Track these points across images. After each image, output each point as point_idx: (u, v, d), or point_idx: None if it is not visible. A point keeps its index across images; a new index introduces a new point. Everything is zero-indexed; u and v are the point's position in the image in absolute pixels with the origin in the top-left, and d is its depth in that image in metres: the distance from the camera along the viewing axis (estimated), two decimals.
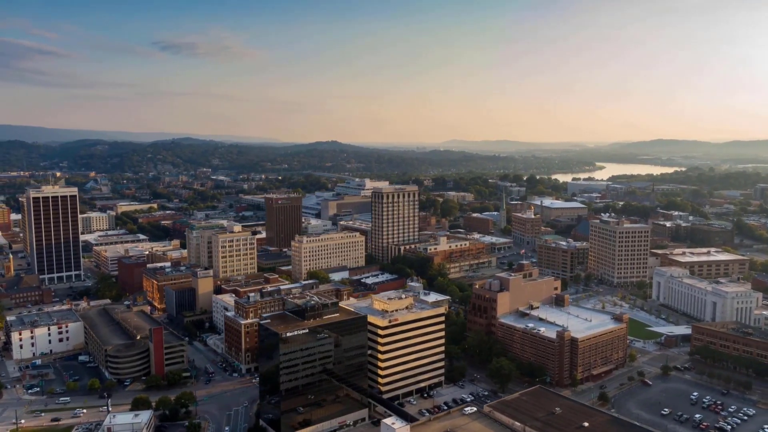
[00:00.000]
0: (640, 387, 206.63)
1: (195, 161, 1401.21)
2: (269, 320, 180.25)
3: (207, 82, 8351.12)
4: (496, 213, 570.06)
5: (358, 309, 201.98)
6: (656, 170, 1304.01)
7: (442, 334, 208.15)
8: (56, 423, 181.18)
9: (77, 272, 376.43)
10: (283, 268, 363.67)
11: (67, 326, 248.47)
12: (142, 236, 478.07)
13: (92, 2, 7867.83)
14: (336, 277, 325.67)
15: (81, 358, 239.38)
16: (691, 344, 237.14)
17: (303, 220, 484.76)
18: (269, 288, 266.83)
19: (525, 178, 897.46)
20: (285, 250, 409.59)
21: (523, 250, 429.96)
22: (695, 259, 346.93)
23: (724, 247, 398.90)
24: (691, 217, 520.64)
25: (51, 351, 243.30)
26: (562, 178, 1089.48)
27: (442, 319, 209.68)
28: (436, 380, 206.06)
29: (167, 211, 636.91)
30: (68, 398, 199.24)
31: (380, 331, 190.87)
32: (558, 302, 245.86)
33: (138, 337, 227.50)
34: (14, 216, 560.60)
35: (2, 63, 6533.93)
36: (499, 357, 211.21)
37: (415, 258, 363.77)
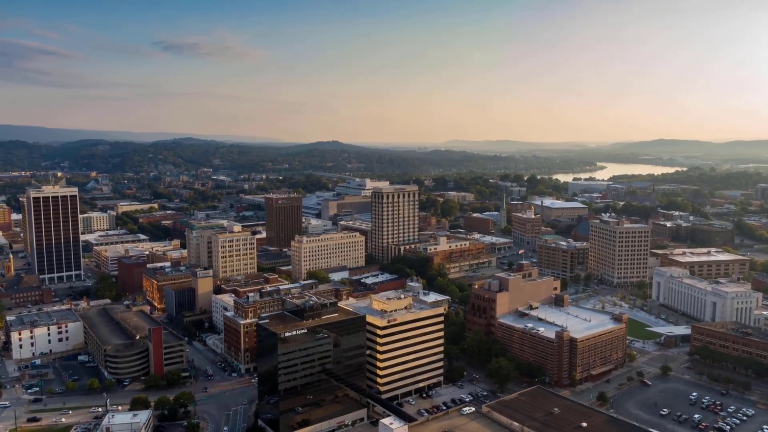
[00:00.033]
0: (640, 387, 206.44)
1: (196, 161, 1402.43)
2: (268, 320, 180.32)
3: (208, 82, 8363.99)
4: (496, 213, 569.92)
5: (357, 309, 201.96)
6: (657, 170, 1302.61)
7: (441, 334, 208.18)
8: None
9: (77, 272, 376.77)
10: (283, 268, 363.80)
11: (66, 326, 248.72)
12: (142, 236, 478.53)
13: (94, 2, 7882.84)
14: (336, 277, 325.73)
15: (80, 357, 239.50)
16: (690, 344, 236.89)
17: (303, 220, 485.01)
18: (268, 288, 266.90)
19: (526, 178, 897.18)
20: (285, 250, 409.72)
21: (522, 250, 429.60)
22: (695, 259, 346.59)
23: (725, 247, 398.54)
24: (691, 217, 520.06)
25: (50, 351, 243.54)
26: (563, 178, 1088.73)
27: (441, 319, 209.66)
28: (434, 380, 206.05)
29: (168, 211, 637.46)
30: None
31: (379, 331, 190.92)
32: (557, 302, 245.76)
33: (137, 337, 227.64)
34: (15, 216, 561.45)
35: (4, 63, 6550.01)
36: (498, 357, 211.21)
37: (414, 258, 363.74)
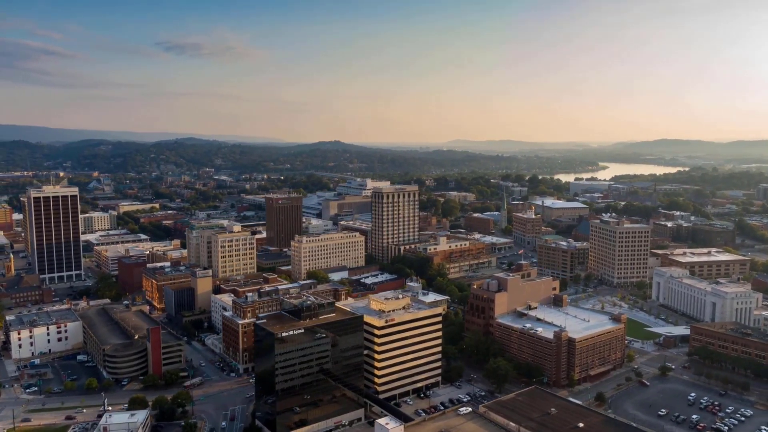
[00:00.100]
0: (638, 387, 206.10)
1: (198, 161, 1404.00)
2: (265, 320, 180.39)
3: (211, 83, 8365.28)
4: (497, 213, 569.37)
5: (355, 309, 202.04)
6: (659, 170, 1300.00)
7: (439, 334, 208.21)
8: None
9: (78, 272, 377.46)
10: (283, 268, 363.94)
11: (65, 326, 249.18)
12: (143, 236, 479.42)
13: (97, 2, 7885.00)
14: (335, 277, 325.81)
15: (79, 357, 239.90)
16: (689, 345, 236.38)
17: (304, 220, 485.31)
18: (267, 288, 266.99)
19: (527, 178, 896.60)
20: (285, 250, 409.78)
21: (521, 250, 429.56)
22: (696, 259, 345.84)
23: (726, 247, 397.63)
24: (692, 218, 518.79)
25: (50, 350, 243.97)
26: (565, 178, 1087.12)
27: (439, 319, 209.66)
28: (432, 380, 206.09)
29: (169, 211, 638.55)
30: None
31: (377, 331, 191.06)
32: (556, 302, 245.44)
33: (136, 337, 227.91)
34: (16, 216, 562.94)
35: (7, 63, 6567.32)
36: (496, 357, 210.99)
37: (414, 258, 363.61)
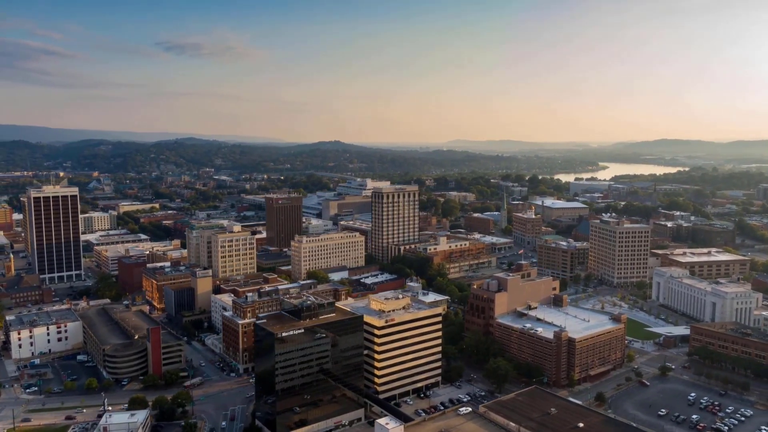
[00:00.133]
0: (638, 387, 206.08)
1: (198, 161, 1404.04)
2: (265, 320, 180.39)
3: (211, 83, 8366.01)
4: (497, 213, 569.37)
5: (355, 309, 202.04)
6: (660, 170, 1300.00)
7: (439, 334, 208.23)
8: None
9: (78, 272, 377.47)
10: (283, 268, 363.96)
11: (65, 326, 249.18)
12: (143, 236, 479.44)
13: (97, 3, 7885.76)
14: (335, 277, 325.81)
15: (79, 357, 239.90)
16: (689, 345, 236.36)
17: (304, 220, 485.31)
18: (267, 288, 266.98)
19: (527, 178, 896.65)
20: (285, 250, 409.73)
21: (521, 250, 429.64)
22: (696, 259, 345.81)
23: (725, 247, 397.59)
24: (692, 218, 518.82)
25: (50, 350, 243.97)
26: (565, 178, 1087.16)
27: (439, 319, 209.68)
28: (432, 380, 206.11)
29: (169, 211, 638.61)
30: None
31: (377, 331, 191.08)
32: (556, 302, 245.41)
33: (136, 337, 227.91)
34: (16, 216, 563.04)
35: (7, 63, 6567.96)
36: (496, 357, 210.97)
37: (414, 258, 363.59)
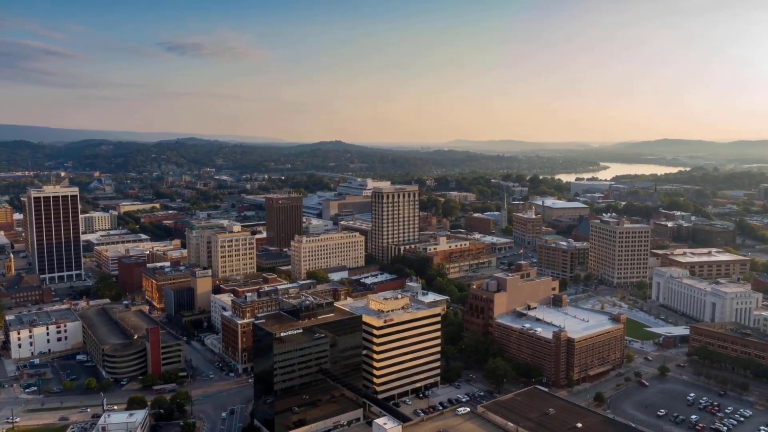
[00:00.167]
0: (637, 388, 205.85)
1: (199, 161, 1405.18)
2: (264, 320, 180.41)
3: (212, 83, 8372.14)
4: (497, 213, 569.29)
5: (354, 309, 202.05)
6: (661, 170, 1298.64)
7: (438, 334, 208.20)
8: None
9: (78, 272, 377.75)
10: (283, 268, 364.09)
11: (65, 326, 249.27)
12: (143, 236, 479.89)
13: (99, 3, 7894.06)
14: (335, 277, 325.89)
15: (79, 357, 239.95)
16: (689, 345, 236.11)
17: (304, 220, 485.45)
18: (266, 288, 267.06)
19: (528, 178, 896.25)
20: (285, 250, 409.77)
21: (521, 250, 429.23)
22: (696, 259, 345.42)
23: (726, 247, 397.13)
24: (693, 218, 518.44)
25: (49, 350, 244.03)
26: (566, 178, 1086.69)
27: (438, 319, 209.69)
28: (431, 380, 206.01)
29: (169, 211, 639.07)
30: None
31: (375, 331, 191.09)
32: (555, 302, 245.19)
33: (135, 337, 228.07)
34: (17, 216, 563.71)
35: (9, 63, 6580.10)
36: (495, 357, 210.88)
37: (414, 258, 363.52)
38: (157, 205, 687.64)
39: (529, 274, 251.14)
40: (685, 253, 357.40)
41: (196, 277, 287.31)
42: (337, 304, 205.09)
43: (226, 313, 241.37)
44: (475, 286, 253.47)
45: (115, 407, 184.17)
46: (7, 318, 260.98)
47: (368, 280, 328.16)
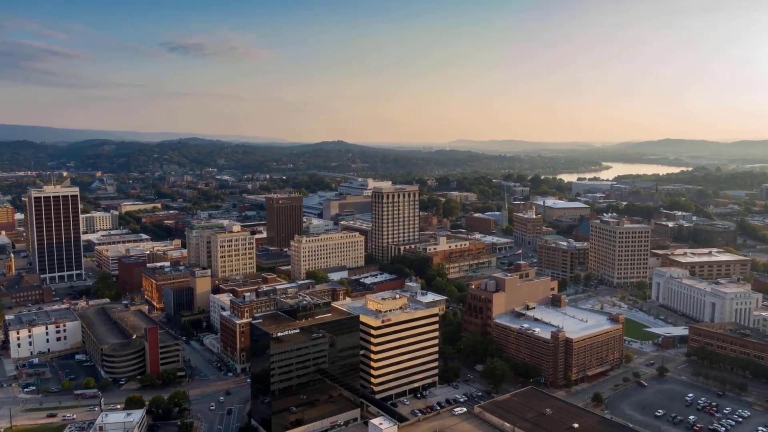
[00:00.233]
0: (635, 388, 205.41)
1: (201, 161, 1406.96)
2: (261, 320, 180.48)
3: (214, 83, 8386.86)
4: (498, 213, 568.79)
5: (352, 309, 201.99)
6: (663, 170, 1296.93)
7: (436, 334, 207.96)
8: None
9: (78, 272, 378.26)
10: (283, 267, 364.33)
11: (64, 325, 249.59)
12: (144, 236, 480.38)
13: (101, 3, 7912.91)
14: (335, 277, 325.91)
15: (78, 357, 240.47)
16: (688, 345, 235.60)
17: (304, 220, 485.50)
18: (265, 288, 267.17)
19: (529, 178, 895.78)
20: (285, 249, 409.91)
21: (521, 250, 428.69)
22: (696, 259, 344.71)
23: (727, 247, 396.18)
24: (694, 218, 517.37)
25: (49, 350, 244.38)
26: (568, 178, 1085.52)
27: (436, 319, 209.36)
28: (429, 380, 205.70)
29: (171, 211, 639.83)
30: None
31: (373, 331, 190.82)
32: (554, 303, 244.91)
33: (134, 337, 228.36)
34: (18, 215, 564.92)
35: (12, 64, 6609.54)
36: (493, 357, 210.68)
37: (414, 258, 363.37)
38: (159, 205, 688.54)
39: (528, 274, 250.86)
40: (685, 254, 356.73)
41: (196, 277, 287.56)
42: (335, 304, 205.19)
43: (224, 313, 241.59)
44: (473, 286, 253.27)
45: (119, 406, 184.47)
46: (6, 317, 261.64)
47: (368, 280, 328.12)
